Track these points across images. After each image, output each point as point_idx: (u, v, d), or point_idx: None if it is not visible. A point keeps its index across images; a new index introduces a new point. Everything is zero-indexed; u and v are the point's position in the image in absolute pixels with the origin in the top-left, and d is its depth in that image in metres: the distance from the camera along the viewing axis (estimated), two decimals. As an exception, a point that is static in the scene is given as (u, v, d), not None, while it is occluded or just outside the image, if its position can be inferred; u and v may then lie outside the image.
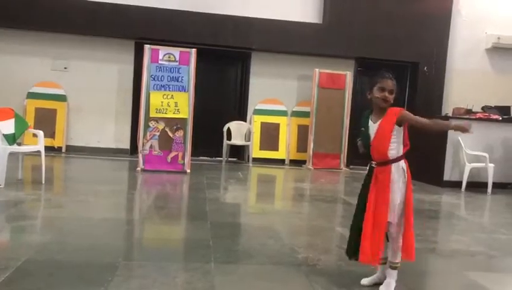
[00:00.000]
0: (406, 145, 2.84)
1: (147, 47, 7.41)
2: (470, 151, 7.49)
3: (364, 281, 2.96)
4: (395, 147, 2.78)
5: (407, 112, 2.80)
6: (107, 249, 3.39)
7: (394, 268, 2.87)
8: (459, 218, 5.80)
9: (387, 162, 2.78)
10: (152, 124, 7.31)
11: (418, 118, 2.79)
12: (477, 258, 3.93)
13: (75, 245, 3.46)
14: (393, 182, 2.76)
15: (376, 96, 2.79)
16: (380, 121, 2.80)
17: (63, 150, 8.91)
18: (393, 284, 2.86)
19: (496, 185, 7.42)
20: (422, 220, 5.16)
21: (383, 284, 2.88)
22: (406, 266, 3.52)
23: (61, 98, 8.98)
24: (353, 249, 2.86)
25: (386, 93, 2.76)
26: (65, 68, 9.05)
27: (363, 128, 2.88)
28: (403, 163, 2.81)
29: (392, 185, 2.76)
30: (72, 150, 8.98)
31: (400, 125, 2.77)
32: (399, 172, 2.78)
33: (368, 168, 2.87)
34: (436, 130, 2.94)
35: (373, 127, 2.82)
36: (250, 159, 9.20)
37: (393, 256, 2.85)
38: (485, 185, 7.40)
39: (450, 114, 8.49)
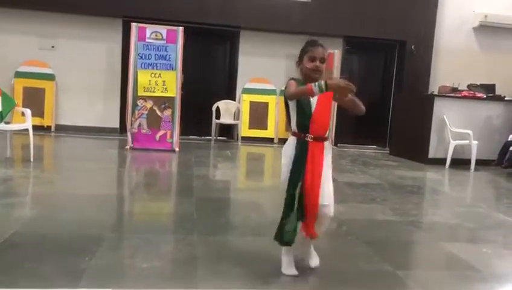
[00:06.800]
0: None
1: (133, 25, 7.38)
2: (454, 129, 7.61)
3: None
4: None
5: None
6: (94, 223, 3.47)
7: None
8: (440, 193, 5.94)
9: (324, 138, 2.62)
10: (140, 102, 7.34)
11: None
12: (453, 230, 4.08)
13: (63, 219, 3.55)
14: (326, 158, 2.63)
15: (307, 67, 2.56)
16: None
17: (53, 129, 8.92)
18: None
19: (479, 162, 7.56)
20: (402, 195, 5.30)
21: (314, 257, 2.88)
22: (382, 237, 3.67)
23: (50, 77, 8.94)
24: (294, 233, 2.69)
25: (317, 63, 2.54)
26: (52, 47, 8.99)
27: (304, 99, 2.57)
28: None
29: (326, 161, 2.63)
30: (61, 129, 8.99)
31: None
32: (328, 148, 2.67)
33: (295, 142, 2.61)
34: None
35: (312, 99, 2.57)
36: (239, 138, 9.28)
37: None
38: (469, 162, 7.54)
39: (436, 92, 8.57)
